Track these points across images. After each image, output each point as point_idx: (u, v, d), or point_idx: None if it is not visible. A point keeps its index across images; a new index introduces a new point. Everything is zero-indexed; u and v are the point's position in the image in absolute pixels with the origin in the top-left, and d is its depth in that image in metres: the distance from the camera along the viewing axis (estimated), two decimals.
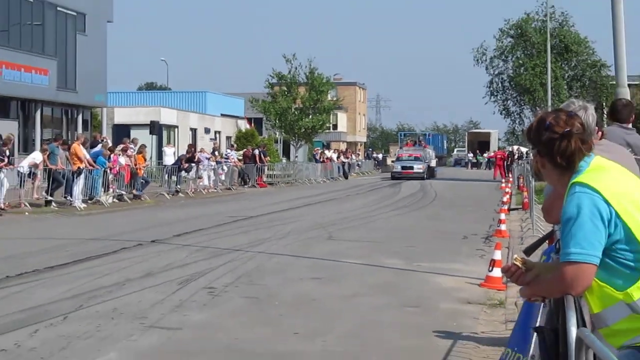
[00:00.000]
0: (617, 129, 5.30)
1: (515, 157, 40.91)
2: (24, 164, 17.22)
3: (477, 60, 37.04)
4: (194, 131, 36.96)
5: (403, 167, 37.49)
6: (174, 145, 30.78)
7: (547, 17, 31.75)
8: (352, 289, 8.34)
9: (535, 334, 3.87)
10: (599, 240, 2.59)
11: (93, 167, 17.99)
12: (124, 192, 19.51)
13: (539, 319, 4.30)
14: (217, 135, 39.02)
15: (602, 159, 2.84)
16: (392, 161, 44.16)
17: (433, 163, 41.88)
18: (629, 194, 2.69)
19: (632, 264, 2.59)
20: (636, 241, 2.59)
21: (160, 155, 26.51)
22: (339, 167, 39.95)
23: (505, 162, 38.94)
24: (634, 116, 5.57)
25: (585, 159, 2.73)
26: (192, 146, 25.87)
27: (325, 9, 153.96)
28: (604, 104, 19.78)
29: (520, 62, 36.50)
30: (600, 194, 2.60)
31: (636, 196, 2.69)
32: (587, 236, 2.59)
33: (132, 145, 21.31)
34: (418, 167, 37.24)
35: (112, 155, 19.49)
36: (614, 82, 8.65)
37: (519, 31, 36.37)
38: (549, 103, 28.51)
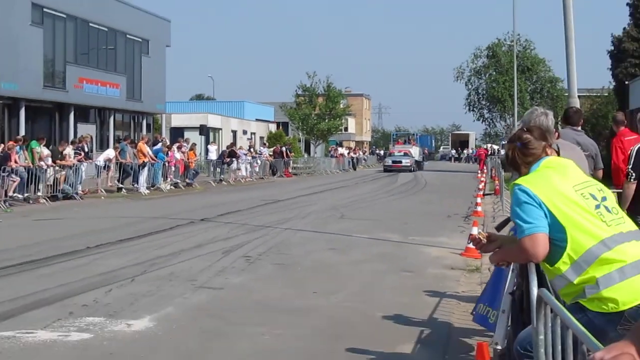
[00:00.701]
0: (569, 131, 5.95)
1: (489, 153, 48.46)
2: (100, 159, 21.23)
3: (457, 77, 45.46)
4: (234, 132, 43.59)
5: (393, 161, 41.99)
6: (217, 144, 35.46)
7: (514, 43, 36.68)
8: (360, 257, 9.61)
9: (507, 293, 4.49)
10: (540, 215, 3.06)
11: (155, 161, 21.97)
12: (178, 181, 23.80)
13: (508, 281, 4.76)
14: (252, 136, 46.48)
15: (552, 159, 3.36)
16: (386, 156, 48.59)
17: (419, 158, 46.23)
18: (558, 190, 3.17)
19: (559, 243, 3.04)
20: (561, 226, 3.04)
21: (207, 151, 30.42)
22: (349, 161, 47.05)
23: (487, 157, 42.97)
24: (582, 121, 6.33)
25: (538, 160, 3.31)
26: (233, 144, 30.66)
27: (340, 33, 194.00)
28: (558, 112, 20.87)
29: (493, 78, 44.14)
30: (530, 190, 3.16)
31: (567, 191, 3.15)
32: (530, 214, 3.09)
33: (185, 144, 25.44)
34: (406, 162, 41.23)
35: (169, 152, 23.42)
36: (567, 94, 9.49)
37: (492, 53, 44.29)
38: (516, 110, 32.94)
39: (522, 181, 3.24)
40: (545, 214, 3.13)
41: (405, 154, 43.38)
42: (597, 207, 3.14)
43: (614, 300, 2.95)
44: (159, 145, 23.77)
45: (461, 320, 5.96)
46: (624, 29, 26.74)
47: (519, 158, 3.40)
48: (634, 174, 5.28)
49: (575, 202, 3.15)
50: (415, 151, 46.00)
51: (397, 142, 57.78)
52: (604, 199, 3.21)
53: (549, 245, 3.08)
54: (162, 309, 6.40)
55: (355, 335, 5.66)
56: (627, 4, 26.08)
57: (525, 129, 3.56)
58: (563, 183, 3.21)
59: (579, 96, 8.41)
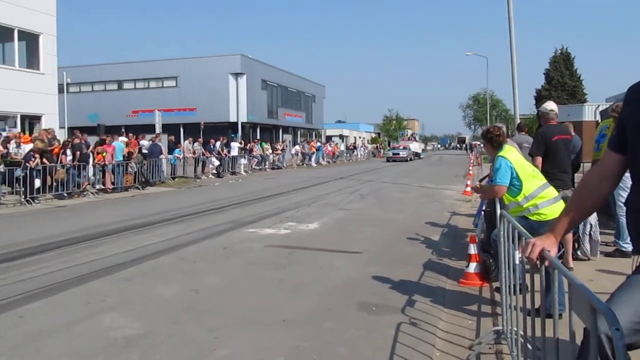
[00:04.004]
0: (520, 135, 10.12)
1: (474, 144, 69.57)
2: (292, 151, 43.44)
3: (463, 110, 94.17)
4: (355, 138, 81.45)
5: (394, 153, 54.90)
6: (345, 143, 71.60)
7: (487, 93, 79.36)
8: (414, 195, 16.74)
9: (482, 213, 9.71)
10: (507, 177, 5.13)
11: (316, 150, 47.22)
12: (335, 160, 52.01)
13: (484, 206, 8.44)
14: (363, 139, 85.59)
15: (508, 145, 5.50)
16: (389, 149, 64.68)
17: (419, 150, 64.83)
18: (519, 159, 5.25)
19: (516, 189, 5.17)
20: (519, 179, 5.13)
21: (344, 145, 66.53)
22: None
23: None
24: (525, 129, 11.21)
25: (503, 145, 5.42)
26: (354, 144, 67.17)
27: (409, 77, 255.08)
28: (510, 126, 33.52)
29: (476, 109, 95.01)
30: (508, 159, 5.18)
31: (522, 160, 5.26)
32: (502, 175, 5.16)
33: (332, 142, 56.83)
34: (403, 154, 54.02)
35: (327, 145, 52.17)
36: (514, 117, 15.98)
37: (475, 98, 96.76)
38: (488, 124, 49.76)
39: (502, 154, 5.29)
40: (512, 172, 5.10)
41: (404, 148, 56.79)
42: (533, 170, 5.34)
43: (545, 214, 4.97)
44: (319, 144, 48.75)
45: (462, 225, 11.51)
46: (542, 85, 49.41)
47: (495, 143, 5.49)
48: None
49: (526, 165, 5.28)
50: (414, 146, 62.43)
51: (403, 138, 78.17)
52: (529, 165, 5.41)
53: (511, 187, 5.14)
54: (322, 219, 12.82)
55: (413, 232, 10.57)
56: (543, 74, 49.93)
57: (497, 130, 5.65)
58: (519, 156, 5.35)
59: (520, 117, 14.89)
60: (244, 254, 8.86)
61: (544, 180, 5.34)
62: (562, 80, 47.78)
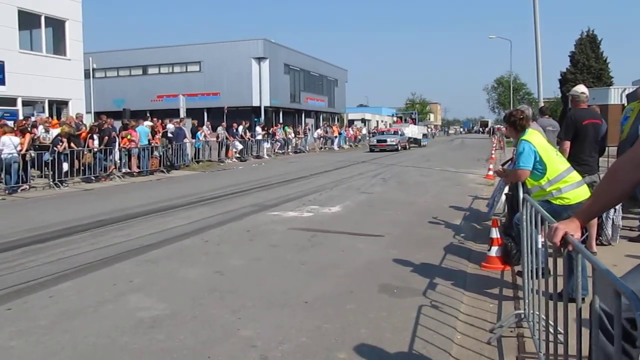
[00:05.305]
0: (543, 119, 10.08)
1: (497, 128, 70.05)
2: (315, 134, 43.61)
3: (487, 93, 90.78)
4: (377, 122, 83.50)
5: (378, 141, 40.54)
6: (367, 127, 70.11)
7: (510, 76, 76.72)
8: (435, 179, 16.70)
9: (504, 196, 9.48)
10: (530, 161, 5.12)
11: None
12: (356, 144, 52.13)
13: (506, 188, 8.79)
14: (385, 123, 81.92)
15: (532, 129, 5.45)
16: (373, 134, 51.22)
17: (418, 136, 50.47)
18: (543, 143, 5.22)
19: (539, 172, 5.15)
20: (543, 162, 5.11)
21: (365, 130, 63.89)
22: (433, 134, 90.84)
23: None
24: (549, 113, 11.45)
25: (526, 128, 5.39)
26: (376, 127, 67.22)
27: (433, 63, 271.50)
28: (533, 109, 35.40)
29: (500, 93, 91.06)
30: (531, 143, 5.16)
31: (545, 144, 5.23)
32: (526, 158, 5.15)
33: (355, 126, 59.53)
34: (392, 140, 39.78)
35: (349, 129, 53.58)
36: (537, 100, 15.67)
37: (499, 82, 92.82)
38: (511, 107, 58.18)
39: (526, 137, 5.29)
40: (535, 156, 5.10)
41: (395, 133, 42.56)
42: (556, 154, 5.32)
43: (568, 198, 5.03)
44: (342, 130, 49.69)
45: (484, 208, 11.31)
46: (567, 68, 47.22)
47: (518, 127, 5.46)
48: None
49: (550, 149, 5.25)
50: (411, 130, 48.56)
51: (397, 120, 67.94)
52: (553, 149, 5.35)
53: (534, 170, 5.13)
54: (344, 202, 12.88)
55: (434, 215, 10.73)
56: (568, 56, 48.25)
57: (521, 113, 5.56)
58: (542, 140, 5.36)
59: (543, 101, 14.58)
60: (267, 236, 8.95)
61: (568, 165, 5.31)
62: (587, 63, 46.78)
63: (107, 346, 4.49)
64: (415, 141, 47.90)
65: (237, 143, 29.51)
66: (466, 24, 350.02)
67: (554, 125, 10.12)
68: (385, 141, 39.89)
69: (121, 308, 5.44)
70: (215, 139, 28.49)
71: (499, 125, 69.27)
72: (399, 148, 39.66)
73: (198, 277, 6.55)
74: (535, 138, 5.31)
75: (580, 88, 7.52)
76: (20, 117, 21.88)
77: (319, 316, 5.12)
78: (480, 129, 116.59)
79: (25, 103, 24.61)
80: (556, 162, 5.20)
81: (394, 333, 4.67)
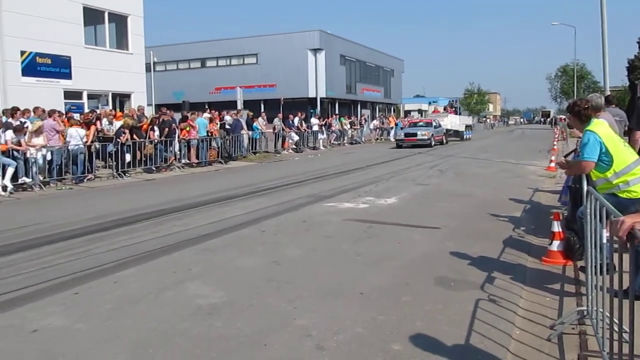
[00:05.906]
0: (609, 108, 8.63)
1: (559, 118, 69.18)
2: (371, 125, 44.10)
3: (550, 81, 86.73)
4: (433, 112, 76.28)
5: (407, 134, 32.87)
6: (423, 118, 60.59)
7: (575, 65, 68.06)
8: (495, 170, 16.46)
9: (568, 188, 7.99)
10: (596, 152, 4.90)
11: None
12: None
13: (570, 182, 7.81)
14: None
15: (598, 120, 5.19)
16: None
17: (460, 128, 40.48)
18: (609, 134, 4.99)
19: (605, 164, 4.95)
20: (609, 154, 4.90)
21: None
22: (491, 124, 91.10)
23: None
24: (615, 102, 11.31)
25: (591, 119, 5.15)
26: (408, 118, 52.28)
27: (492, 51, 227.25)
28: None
29: (564, 82, 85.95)
30: (597, 134, 4.94)
31: (612, 135, 5.01)
32: (590, 150, 4.92)
33: (407, 119, 48.86)
34: (423, 134, 32.40)
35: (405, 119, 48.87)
36: (603, 89, 14.97)
37: (563, 70, 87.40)
38: (575, 97, 51.15)
39: (591, 128, 5.07)
40: (601, 147, 4.88)
41: (427, 125, 34.79)
42: (624, 144, 5.10)
43: (636, 192, 4.85)
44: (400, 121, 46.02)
45: (545, 201, 11.01)
46: (635, 55, 47.65)
47: (583, 117, 5.24)
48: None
49: (617, 140, 5.05)
50: (450, 121, 39.11)
51: (435, 110, 56.16)
52: (620, 140, 5.13)
53: (599, 162, 4.92)
54: (400, 193, 12.76)
55: (493, 208, 10.40)
56: (637, 42, 48.14)
57: (585, 103, 5.33)
58: (609, 130, 5.11)
59: (610, 89, 13.98)
60: (323, 227, 8.99)
61: (637, 156, 5.08)
62: None
63: (167, 331, 4.62)
64: (457, 134, 39.65)
65: (293, 134, 29.71)
66: (527, 10, 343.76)
67: (621, 115, 9.63)
68: (415, 135, 32.57)
69: (180, 295, 5.59)
70: (271, 130, 28.76)
71: (561, 116, 67.69)
72: (433, 143, 32.47)
73: (255, 267, 6.65)
74: (601, 129, 5.08)
75: None
76: (86, 109, 22.71)
77: (375, 307, 5.11)
78: (542, 120, 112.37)
79: (90, 96, 25.54)
80: (624, 153, 4.99)
81: (451, 326, 4.62)
